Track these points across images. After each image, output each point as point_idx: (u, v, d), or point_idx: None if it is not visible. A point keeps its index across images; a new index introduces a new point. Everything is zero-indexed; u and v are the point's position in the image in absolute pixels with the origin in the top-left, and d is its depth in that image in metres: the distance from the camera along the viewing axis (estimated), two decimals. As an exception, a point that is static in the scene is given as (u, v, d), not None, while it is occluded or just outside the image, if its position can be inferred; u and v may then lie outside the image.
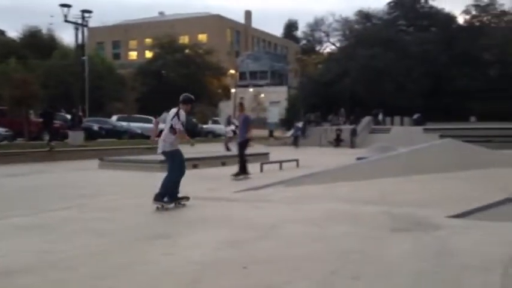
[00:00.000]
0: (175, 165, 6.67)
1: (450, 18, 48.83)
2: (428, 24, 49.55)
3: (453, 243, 4.52)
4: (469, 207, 6.12)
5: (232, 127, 24.41)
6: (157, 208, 6.32)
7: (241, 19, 78.10)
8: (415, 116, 38.23)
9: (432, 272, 3.65)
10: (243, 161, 10.58)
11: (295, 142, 27.94)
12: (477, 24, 47.61)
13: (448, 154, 11.84)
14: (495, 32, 44.41)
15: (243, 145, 10.59)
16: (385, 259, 4.04)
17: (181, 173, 6.72)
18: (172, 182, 6.55)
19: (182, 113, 6.57)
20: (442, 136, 23.69)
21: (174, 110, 6.68)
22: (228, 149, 20.56)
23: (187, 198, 6.72)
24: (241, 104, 10.18)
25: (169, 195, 6.46)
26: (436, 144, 13.60)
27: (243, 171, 10.50)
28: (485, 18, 48.15)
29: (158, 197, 6.36)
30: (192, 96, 6.93)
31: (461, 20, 49.88)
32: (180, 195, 6.65)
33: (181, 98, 6.88)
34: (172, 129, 6.51)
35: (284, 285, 3.31)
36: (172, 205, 6.45)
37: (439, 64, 42.75)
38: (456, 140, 14.28)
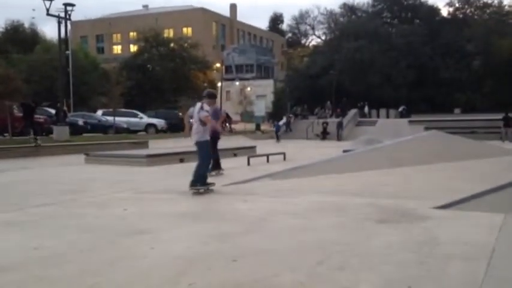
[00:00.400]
0: (206, 154, 7.56)
1: (434, 11, 49.30)
2: (413, 16, 49.95)
3: (438, 234, 4.58)
4: (454, 198, 6.20)
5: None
6: (194, 193, 7.18)
7: (226, 12, 77.87)
8: (400, 109, 38.61)
9: (417, 262, 3.71)
10: (215, 157, 9.95)
11: (277, 137, 29.09)
12: (460, 16, 48.14)
13: (433, 146, 11.98)
14: (478, 24, 44.93)
15: (215, 139, 9.63)
16: (371, 250, 4.09)
17: (210, 160, 8.11)
18: (204, 169, 7.48)
19: (206, 106, 7.41)
20: (427, 128, 23.98)
21: (198, 105, 7.50)
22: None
23: (213, 183, 7.57)
24: (212, 95, 8.25)
25: (201, 181, 7.32)
26: (421, 136, 13.75)
27: (216, 167, 10.01)
28: (468, 11, 48.69)
29: (193, 183, 7.23)
30: (215, 91, 8.21)
31: (445, 12, 50.40)
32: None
33: (204, 93, 7.89)
34: (201, 121, 7.31)
35: (272, 278, 3.33)
36: (204, 188, 7.30)
37: (424, 56, 43.15)
38: (441, 131, 14.46)
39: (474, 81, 41.24)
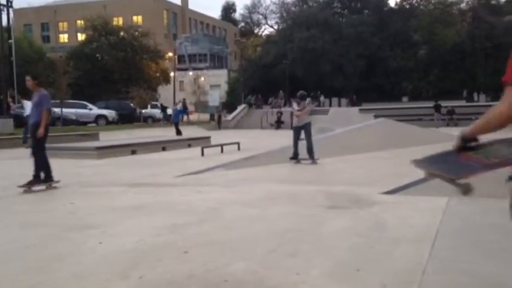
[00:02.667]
0: (310, 133, 10.05)
1: (382, 1, 50.49)
2: (362, 6, 50.99)
3: (386, 218, 4.73)
4: (401, 183, 6.42)
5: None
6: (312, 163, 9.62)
7: (177, 0, 76.33)
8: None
9: (367, 246, 3.81)
10: (41, 159, 7.35)
11: (176, 130, 21.19)
12: (407, 7, 49.54)
13: (382, 133, 12.34)
14: (424, 14, 46.46)
15: (34, 133, 7.30)
16: (322, 236, 4.16)
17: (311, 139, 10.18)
18: (312, 144, 9.87)
19: (294, 104, 10.43)
20: (376, 116, 24.63)
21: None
22: (179, 132, 20.05)
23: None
24: (34, 79, 7.34)
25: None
26: (371, 124, 14.12)
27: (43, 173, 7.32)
28: (414, 1, 50.17)
29: (311, 155, 9.74)
30: (304, 93, 10.63)
31: (392, 3, 51.72)
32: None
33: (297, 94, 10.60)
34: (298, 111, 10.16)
35: (224, 267, 3.32)
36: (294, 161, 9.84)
37: (373, 46, 44.22)
38: (389, 119, 14.90)
39: (420, 69, 42.72)
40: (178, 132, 20.72)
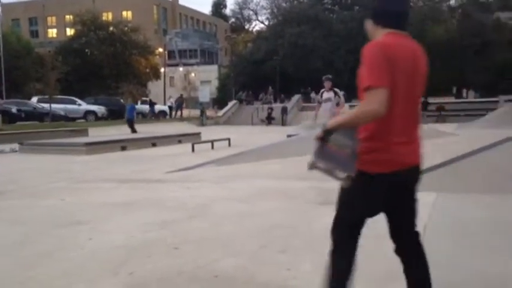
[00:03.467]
0: None
1: (373, -2, 50.52)
2: (352, 3, 51.11)
3: (375, 213, 4.75)
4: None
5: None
6: None
7: (167, -4, 75.87)
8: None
9: (356, 242, 3.83)
10: None
11: (132, 128, 18.27)
12: (397, 3, 49.67)
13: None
14: (413, 10, 46.63)
15: None
16: (312, 232, 4.18)
17: None
18: None
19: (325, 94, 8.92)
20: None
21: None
22: (134, 130, 17.98)
23: None
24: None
25: None
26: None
27: None
28: (405, -2, 50.28)
29: None
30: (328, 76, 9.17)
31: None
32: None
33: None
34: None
35: (214, 263, 3.32)
36: None
37: (363, 42, 44.24)
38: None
39: (410, 66, 42.92)
40: (134, 131, 17.79)
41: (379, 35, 2.16)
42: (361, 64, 2.04)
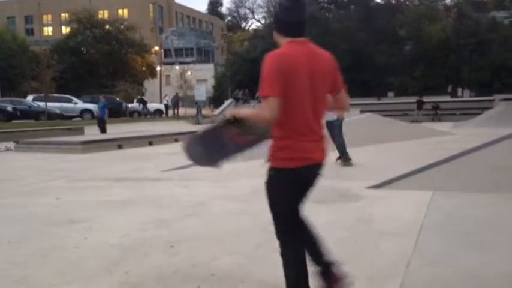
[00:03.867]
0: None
1: (369, -4, 50.56)
2: (348, 2, 51.06)
3: (372, 212, 4.77)
4: (386, 178, 6.47)
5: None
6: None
7: (164, -6, 75.65)
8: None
9: (352, 240, 3.84)
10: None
11: (100, 129, 17.73)
12: (393, 2, 49.77)
13: (368, 128, 12.42)
14: (409, 9, 46.76)
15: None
16: (308, 230, 4.18)
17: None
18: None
19: None
20: (362, 111, 24.72)
21: None
22: (103, 130, 17.38)
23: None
24: None
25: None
26: (357, 119, 14.18)
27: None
28: (400, -4, 50.38)
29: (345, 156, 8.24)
30: None
31: (378, -2, 51.82)
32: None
33: None
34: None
35: (210, 262, 3.32)
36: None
37: (359, 41, 44.35)
38: (375, 114, 15.00)
39: (406, 65, 42.98)
40: (103, 130, 17.07)
41: (283, 44, 2.42)
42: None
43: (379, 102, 31.83)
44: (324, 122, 2.47)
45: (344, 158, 8.24)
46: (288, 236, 2.50)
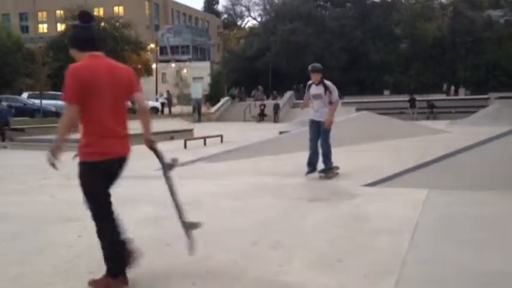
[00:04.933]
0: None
1: (364, -6, 50.62)
2: (344, 0, 51.08)
3: (367, 210, 4.78)
4: (381, 176, 6.48)
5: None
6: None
7: (159, -9, 75.39)
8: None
9: (347, 237, 3.85)
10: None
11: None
12: (389, 0, 49.82)
13: (364, 126, 12.42)
14: (405, 8, 46.81)
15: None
16: (303, 228, 4.19)
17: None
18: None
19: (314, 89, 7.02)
20: (358, 109, 24.75)
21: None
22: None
23: (337, 167, 7.05)
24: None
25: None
26: (353, 117, 14.20)
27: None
28: (396, -6, 50.45)
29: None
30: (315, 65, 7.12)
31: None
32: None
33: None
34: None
35: (206, 259, 3.32)
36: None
37: (355, 39, 44.43)
38: (371, 112, 15.02)
39: (402, 63, 43.09)
40: (2, 139, 14.94)
41: (82, 58, 2.79)
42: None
43: (375, 100, 31.85)
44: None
45: (331, 171, 6.85)
46: (101, 217, 2.91)
